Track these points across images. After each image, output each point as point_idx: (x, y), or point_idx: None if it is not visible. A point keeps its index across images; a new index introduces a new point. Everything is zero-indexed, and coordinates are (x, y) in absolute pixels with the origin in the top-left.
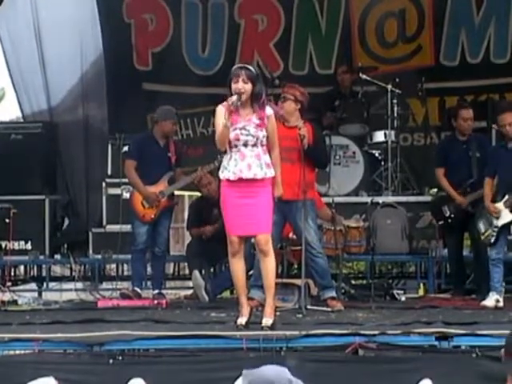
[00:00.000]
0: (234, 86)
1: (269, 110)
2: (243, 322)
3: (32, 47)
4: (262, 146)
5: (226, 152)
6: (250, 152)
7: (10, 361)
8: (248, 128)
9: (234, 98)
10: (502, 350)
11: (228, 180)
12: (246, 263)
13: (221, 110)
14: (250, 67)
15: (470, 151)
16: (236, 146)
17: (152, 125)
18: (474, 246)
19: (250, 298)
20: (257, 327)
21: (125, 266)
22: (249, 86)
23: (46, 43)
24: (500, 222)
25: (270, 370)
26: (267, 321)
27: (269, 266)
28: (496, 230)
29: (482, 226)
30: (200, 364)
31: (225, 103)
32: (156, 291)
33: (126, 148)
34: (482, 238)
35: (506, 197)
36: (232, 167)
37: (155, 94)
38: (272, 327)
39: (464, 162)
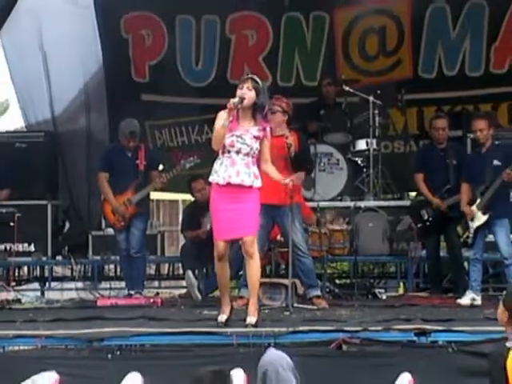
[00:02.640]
0: (238, 91)
1: (266, 128)
2: (223, 320)
3: (36, 61)
4: (253, 157)
5: (217, 156)
6: (241, 160)
7: (14, 356)
8: (244, 137)
9: (236, 99)
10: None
11: (217, 184)
12: (235, 265)
13: (223, 113)
14: (258, 79)
15: (447, 158)
16: (229, 152)
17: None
18: (449, 248)
19: (240, 297)
20: (242, 324)
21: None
22: (252, 94)
23: (50, 57)
24: (475, 224)
25: (268, 356)
26: (251, 319)
27: (253, 267)
28: (472, 231)
29: (460, 229)
30: (193, 359)
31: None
32: (133, 291)
33: None
34: (461, 239)
35: (479, 200)
36: (222, 172)
37: (152, 104)
38: (255, 325)
39: (441, 169)
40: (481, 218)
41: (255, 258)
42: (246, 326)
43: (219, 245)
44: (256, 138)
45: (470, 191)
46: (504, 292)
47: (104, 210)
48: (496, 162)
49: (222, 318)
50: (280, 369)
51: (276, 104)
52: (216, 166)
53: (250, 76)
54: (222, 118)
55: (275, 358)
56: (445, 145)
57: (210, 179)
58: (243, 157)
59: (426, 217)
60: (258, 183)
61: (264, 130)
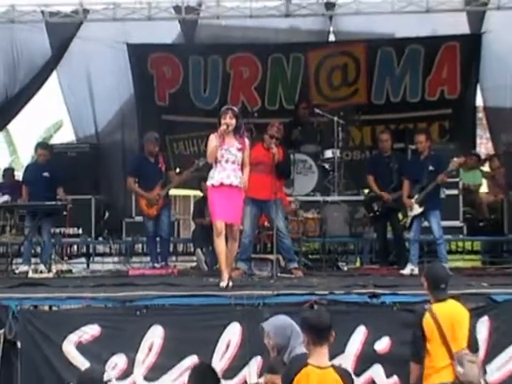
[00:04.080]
0: (223, 120)
1: (247, 140)
2: (224, 285)
3: (84, 89)
4: (238, 164)
5: (212, 166)
6: (230, 167)
7: (67, 313)
8: (231, 150)
9: (224, 127)
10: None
11: (213, 185)
12: None
13: (212, 138)
14: (235, 108)
15: (390, 164)
16: (220, 162)
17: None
18: (394, 231)
19: (236, 268)
20: (239, 289)
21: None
22: (233, 121)
23: (94, 86)
24: (413, 213)
25: (282, 318)
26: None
27: (235, 247)
28: (410, 218)
29: (401, 216)
30: (201, 315)
31: (215, 133)
32: (163, 263)
33: None
34: (401, 223)
35: (416, 195)
36: (216, 177)
37: (171, 123)
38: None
39: (387, 172)
40: (418, 209)
41: (237, 240)
42: (227, 288)
43: (217, 223)
44: (239, 149)
45: (410, 188)
46: (427, 267)
47: (139, 203)
48: (431, 168)
49: (224, 283)
50: (294, 324)
51: (273, 131)
52: (211, 173)
53: (229, 107)
54: (212, 140)
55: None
56: (389, 153)
57: (208, 183)
58: (231, 165)
59: (375, 208)
60: (241, 184)
61: (243, 143)
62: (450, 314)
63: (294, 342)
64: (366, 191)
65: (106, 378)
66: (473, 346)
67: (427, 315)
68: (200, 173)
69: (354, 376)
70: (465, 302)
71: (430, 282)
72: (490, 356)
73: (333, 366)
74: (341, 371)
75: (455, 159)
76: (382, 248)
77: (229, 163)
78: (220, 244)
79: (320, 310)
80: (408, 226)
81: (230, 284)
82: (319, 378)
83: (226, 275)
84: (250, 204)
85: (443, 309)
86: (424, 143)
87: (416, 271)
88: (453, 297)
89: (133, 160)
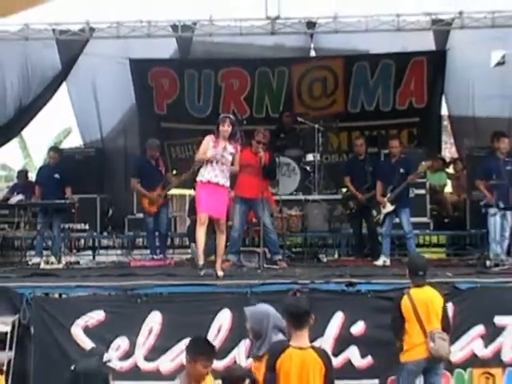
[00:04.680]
0: (221, 127)
1: (238, 147)
2: (201, 263)
3: (90, 99)
4: (227, 166)
5: (201, 166)
6: (219, 168)
7: (75, 300)
8: (223, 153)
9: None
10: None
11: (201, 181)
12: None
13: (208, 140)
14: (232, 117)
15: (365, 166)
16: (212, 162)
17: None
18: (368, 227)
19: (227, 260)
20: (229, 278)
21: (146, 240)
22: (230, 128)
23: (99, 96)
24: (385, 211)
25: (262, 306)
26: (221, 272)
27: (223, 239)
28: (383, 215)
29: (374, 213)
30: (195, 302)
31: (211, 135)
32: (161, 255)
33: None
34: (375, 220)
35: (389, 195)
36: (205, 174)
37: (168, 130)
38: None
39: (362, 173)
40: (390, 207)
41: (225, 233)
42: (219, 277)
43: (201, 215)
44: (230, 153)
45: (383, 188)
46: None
47: (142, 201)
48: (402, 170)
49: (200, 262)
50: (274, 316)
51: (259, 137)
52: (202, 170)
53: (227, 115)
54: (207, 142)
55: (268, 309)
56: (364, 156)
57: (197, 179)
58: (221, 166)
59: (351, 206)
60: (228, 183)
61: (236, 148)
62: (425, 298)
63: (270, 332)
64: (344, 191)
65: (105, 358)
66: (446, 327)
67: (405, 298)
68: (195, 175)
69: (332, 356)
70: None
71: (410, 269)
72: (454, 338)
73: (312, 347)
74: (319, 351)
75: (423, 163)
76: (358, 242)
77: (219, 164)
78: (200, 233)
79: (300, 297)
80: (381, 222)
81: (207, 270)
82: (301, 358)
83: (201, 256)
84: (239, 202)
85: (420, 293)
86: (397, 148)
87: (388, 262)
88: (431, 284)
89: (136, 163)
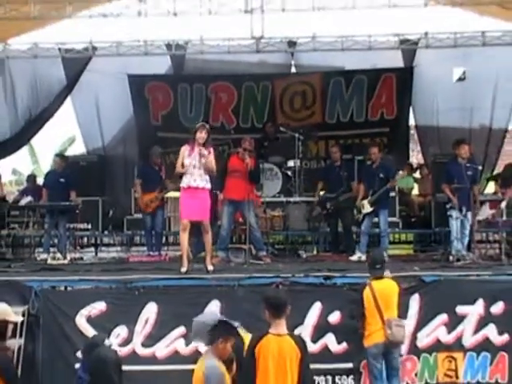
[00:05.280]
0: (198, 134)
1: (211, 150)
2: (184, 270)
3: (92, 111)
4: (204, 170)
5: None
6: (197, 172)
7: (79, 292)
8: (197, 158)
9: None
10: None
11: (183, 188)
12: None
13: (183, 150)
14: (206, 125)
15: (341, 171)
16: (189, 168)
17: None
18: (344, 226)
19: (216, 256)
20: (218, 272)
21: (143, 238)
22: (206, 136)
23: (101, 108)
24: (365, 211)
25: (209, 315)
26: (210, 267)
27: (209, 238)
28: (362, 215)
29: (355, 212)
30: (188, 294)
31: (186, 145)
32: (157, 252)
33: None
34: (355, 219)
35: (370, 197)
36: (185, 180)
37: (163, 139)
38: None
39: (338, 178)
40: (369, 208)
41: (210, 232)
42: (208, 272)
43: (183, 222)
44: (202, 156)
45: (365, 190)
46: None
47: (142, 201)
48: (381, 175)
49: (184, 269)
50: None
51: (246, 144)
52: (183, 178)
53: (203, 124)
54: (182, 151)
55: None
56: (339, 163)
57: (180, 185)
58: (198, 170)
59: (328, 207)
60: (208, 186)
61: (209, 152)
62: (384, 288)
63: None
64: (322, 193)
65: (106, 343)
66: (402, 315)
67: (367, 289)
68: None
69: (311, 342)
70: (400, 282)
71: (369, 263)
72: (420, 326)
73: (289, 334)
74: (295, 338)
75: (400, 172)
76: (334, 239)
77: (196, 169)
78: (183, 237)
79: (279, 290)
80: (360, 221)
81: (191, 269)
82: (278, 344)
83: (185, 262)
84: (227, 204)
85: (379, 284)
86: (376, 154)
87: (363, 258)
88: (393, 278)
89: (140, 168)
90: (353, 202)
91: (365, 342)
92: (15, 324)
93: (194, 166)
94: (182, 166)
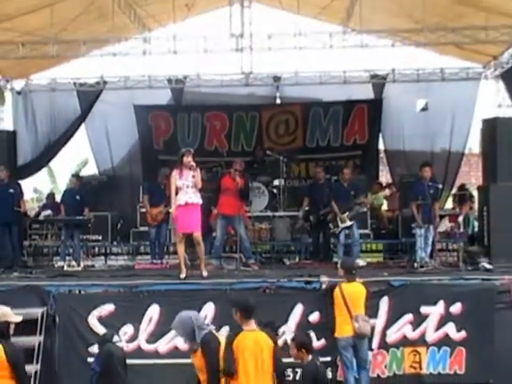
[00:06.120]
0: (185, 159)
1: (198, 171)
2: (183, 276)
3: (103, 136)
4: (195, 188)
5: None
6: (191, 190)
7: (91, 295)
8: (188, 178)
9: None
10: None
11: (179, 205)
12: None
13: (174, 175)
14: (191, 150)
15: (324, 189)
16: (182, 188)
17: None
18: (323, 237)
19: (209, 263)
20: (212, 278)
21: (147, 248)
22: (191, 159)
23: (110, 134)
24: (343, 225)
25: (186, 314)
26: (205, 273)
27: (201, 248)
28: (340, 228)
29: (331, 226)
30: (186, 297)
31: (175, 169)
32: (160, 260)
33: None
34: (332, 231)
35: (347, 213)
36: (182, 198)
37: (164, 161)
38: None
39: (321, 194)
40: (348, 222)
41: (202, 244)
42: (204, 277)
43: (179, 235)
44: (193, 176)
45: (338, 206)
46: (341, 260)
47: (151, 213)
48: (352, 192)
49: (182, 275)
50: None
51: (237, 167)
52: (178, 197)
53: (188, 149)
54: (173, 176)
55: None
56: (323, 181)
57: (176, 203)
58: (191, 189)
59: (311, 220)
60: (200, 201)
61: (196, 172)
62: (353, 292)
63: (197, 330)
64: (306, 209)
65: (115, 339)
66: (372, 315)
67: (337, 289)
68: None
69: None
70: (371, 286)
71: (345, 269)
72: (389, 324)
73: (261, 329)
74: (267, 332)
75: (387, 190)
76: (315, 249)
77: (189, 188)
78: (180, 248)
79: (247, 294)
80: (337, 234)
81: (187, 275)
82: (253, 338)
83: (183, 269)
84: (220, 218)
85: (349, 287)
86: (349, 174)
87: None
88: (362, 282)
89: (149, 185)
90: (333, 217)
91: (336, 334)
92: (35, 323)
93: (188, 186)
94: (176, 189)
